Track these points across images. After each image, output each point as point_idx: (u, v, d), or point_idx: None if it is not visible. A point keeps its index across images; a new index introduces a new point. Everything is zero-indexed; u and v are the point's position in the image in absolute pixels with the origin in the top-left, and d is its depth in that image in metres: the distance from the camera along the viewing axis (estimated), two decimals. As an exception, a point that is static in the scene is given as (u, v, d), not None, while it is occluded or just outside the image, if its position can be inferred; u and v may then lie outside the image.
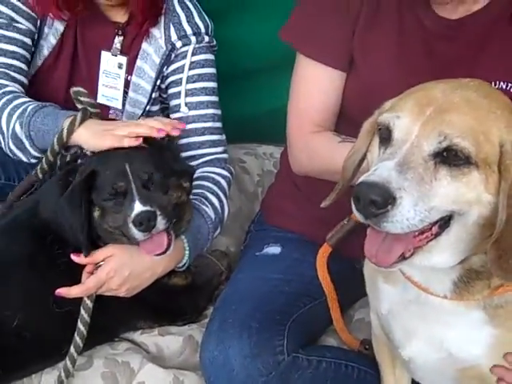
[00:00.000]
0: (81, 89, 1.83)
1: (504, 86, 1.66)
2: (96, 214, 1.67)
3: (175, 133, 1.77)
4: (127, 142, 1.71)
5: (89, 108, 1.80)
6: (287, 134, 1.86)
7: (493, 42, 1.67)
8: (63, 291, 1.66)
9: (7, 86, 1.93)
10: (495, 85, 1.66)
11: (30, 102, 1.87)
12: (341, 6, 1.71)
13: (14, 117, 1.83)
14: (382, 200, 1.06)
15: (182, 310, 1.92)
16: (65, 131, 1.75)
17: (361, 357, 1.76)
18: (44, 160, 1.83)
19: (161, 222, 1.62)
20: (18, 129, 1.83)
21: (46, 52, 2.03)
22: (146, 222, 1.59)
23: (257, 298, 1.75)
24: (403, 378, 1.65)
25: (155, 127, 1.73)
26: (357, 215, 1.12)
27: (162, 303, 1.87)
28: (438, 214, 1.12)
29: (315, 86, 1.78)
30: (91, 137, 1.75)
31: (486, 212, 1.14)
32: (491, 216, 1.14)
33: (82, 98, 1.81)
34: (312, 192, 1.77)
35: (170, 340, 1.86)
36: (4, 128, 1.86)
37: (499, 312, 1.28)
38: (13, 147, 1.87)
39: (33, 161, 1.90)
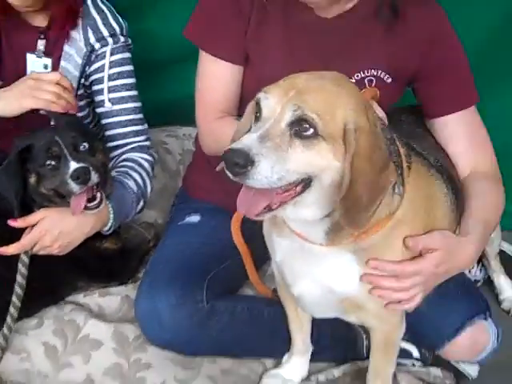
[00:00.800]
0: None
1: (375, 73, 1.86)
2: (32, 180, 1.90)
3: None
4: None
5: None
6: (197, 123, 2.02)
7: (361, 36, 1.84)
8: (2, 249, 1.88)
9: None
10: (367, 72, 1.86)
11: None
12: (234, 8, 1.86)
13: None
14: (243, 162, 1.26)
15: (116, 271, 2.16)
16: None
17: (272, 301, 2.00)
18: None
19: (94, 176, 1.86)
20: None
21: None
22: (82, 176, 1.82)
23: (180, 259, 1.98)
24: (304, 314, 1.90)
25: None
26: (227, 173, 1.30)
27: (97, 265, 2.11)
28: (295, 176, 1.32)
29: (216, 80, 1.93)
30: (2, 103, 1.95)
31: (337, 176, 1.34)
32: (341, 179, 1.34)
33: None
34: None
35: (110, 300, 2.11)
36: None
37: (364, 253, 1.52)
38: None
39: None
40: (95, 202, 1.91)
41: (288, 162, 1.31)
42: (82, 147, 1.91)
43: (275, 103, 1.34)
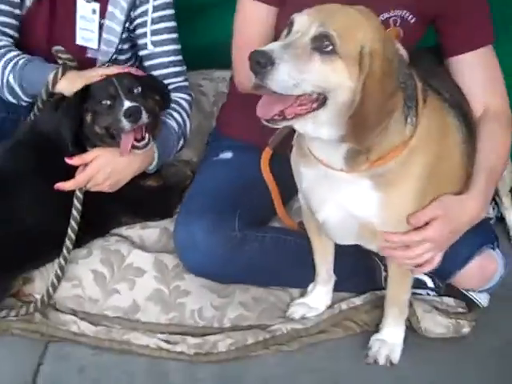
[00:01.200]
0: (60, 47, 2.16)
1: (400, 13, 1.94)
2: (88, 118, 2.05)
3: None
4: (96, 79, 2.07)
5: (68, 62, 2.14)
6: (233, 63, 2.10)
7: None
8: (60, 185, 2.05)
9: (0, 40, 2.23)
10: (392, 12, 1.94)
11: (20, 55, 2.19)
12: None
13: (8, 70, 2.17)
14: (263, 61, 1.38)
15: (157, 207, 2.32)
16: (50, 82, 2.12)
17: (297, 233, 2.14)
18: (35, 107, 2.21)
19: (144, 116, 2.00)
20: (11, 80, 2.19)
21: (28, 3, 2.27)
22: (134, 114, 1.98)
23: (214, 191, 2.11)
24: (328, 244, 2.05)
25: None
26: (251, 76, 1.42)
27: (141, 201, 2.27)
28: (309, 87, 1.43)
29: (252, 20, 2.02)
30: (67, 84, 2.12)
31: (349, 95, 1.45)
32: (353, 100, 1.45)
33: (61, 55, 2.14)
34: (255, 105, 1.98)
35: (150, 232, 2.27)
36: None
37: (381, 180, 1.63)
38: (7, 95, 2.24)
39: (23, 103, 2.26)
40: (144, 142, 2.06)
41: (305, 72, 1.42)
42: (135, 90, 2.06)
43: (305, 20, 1.47)
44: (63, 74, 2.14)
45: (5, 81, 2.21)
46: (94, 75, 2.12)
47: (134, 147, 2.05)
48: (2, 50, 2.22)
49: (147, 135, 2.07)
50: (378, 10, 1.86)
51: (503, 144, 1.93)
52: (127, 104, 2.00)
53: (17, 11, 2.28)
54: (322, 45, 1.43)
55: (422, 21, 2.00)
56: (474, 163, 1.86)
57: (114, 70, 2.15)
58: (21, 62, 2.19)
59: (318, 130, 1.54)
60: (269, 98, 1.50)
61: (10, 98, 2.26)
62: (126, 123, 2.00)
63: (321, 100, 1.48)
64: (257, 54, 1.40)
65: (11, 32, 2.29)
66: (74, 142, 2.06)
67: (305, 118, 1.51)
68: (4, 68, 2.20)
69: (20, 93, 2.23)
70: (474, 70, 1.97)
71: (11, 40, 2.29)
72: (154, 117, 2.11)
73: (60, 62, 2.16)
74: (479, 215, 1.83)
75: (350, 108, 1.47)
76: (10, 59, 2.20)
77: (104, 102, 2.04)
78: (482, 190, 1.82)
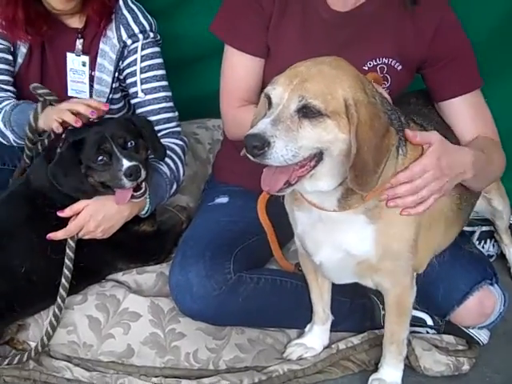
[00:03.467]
0: (36, 84, 2.19)
1: (386, 61, 2.02)
2: (82, 171, 2.04)
3: (101, 113, 2.13)
4: (67, 117, 2.04)
5: (46, 97, 2.16)
6: (220, 110, 2.16)
7: (374, 28, 1.99)
8: (52, 235, 2.07)
9: None
10: (379, 60, 2.01)
11: (9, 103, 2.26)
12: (256, 5, 2.02)
13: None
14: (260, 144, 1.45)
15: (152, 252, 2.33)
16: (31, 120, 2.15)
17: (294, 275, 2.14)
18: (25, 148, 2.25)
19: (143, 173, 2.03)
20: (3, 127, 2.26)
21: (20, 60, 2.37)
22: (134, 173, 2.00)
23: (209, 235, 2.12)
24: (324, 283, 2.06)
25: (90, 106, 2.07)
26: (248, 155, 1.48)
27: (135, 246, 2.29)
28: (307, 151, 1.50)
29: (240, 70, 2.08)
30: (45, 119, 2.13)
31: (344, 146, 1.53)
32: (348, 149, 1.52)
33: (39, 91, 2.16)
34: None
35: (146, 277, 2.28)
36: None
37: (375, 211, 1.68)
38: (2, 140, 2.31)
39: (16, 145, 2.31)
40: (140, 192, 2.08)
41: (299, 140, 1.49)
42: (129, 144, 2.08)
43: (282, 91, 1.53)
44: (43, 109, 2.16)
45: None
46: (64, 106, 2.10)
47: (132, 197, 2.07)
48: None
49: (144, 184, 2.09)
50: (364, 59, 1.99)
51: (497, 153, 1.98)
52: (126, 163, 2.01)
53: (12, 69, 2.37)
54: (308, 111, 1.49)
55: (409, 68, 2.06)
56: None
57: (86, 101, 2.15)
58: (8, 108, 2.26)
59: (318, 184, 1.60)
60: (271, 171, 1.56)
61: (5, 142, 2.32)
62: (126, 182, 2.01)
63: (318, 156, 1.54)
64: (251, 138, 1.46)
65: (10, 88, 2.37)
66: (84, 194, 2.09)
67: (306, 177, 1.57)
68: None
69: (11, 137, 2.28)
70: (463, 111, 2.02)
71: (12, 95, 2.36)
72: (147, 165, 2.13)
73: (40, 98, 2.19)
74: (468, 169, 1.80)
75: (346, 157, 1.53)
76: (1, 108, 2.28)
77: (100, 159, 2.04)
78: (476, 155, 1.82)
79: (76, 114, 2.07)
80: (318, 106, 1.49)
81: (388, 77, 2.05)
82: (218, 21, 2.13)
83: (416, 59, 2.04)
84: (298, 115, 1.50)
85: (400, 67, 2.05)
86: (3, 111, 2.27)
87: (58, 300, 2.09)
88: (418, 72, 2.10)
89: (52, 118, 2.09)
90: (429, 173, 1.68)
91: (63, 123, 2.08)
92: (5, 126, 2.26)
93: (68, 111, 2.06)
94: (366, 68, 2.01)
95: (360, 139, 1.50)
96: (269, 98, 1.56)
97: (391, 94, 1.80)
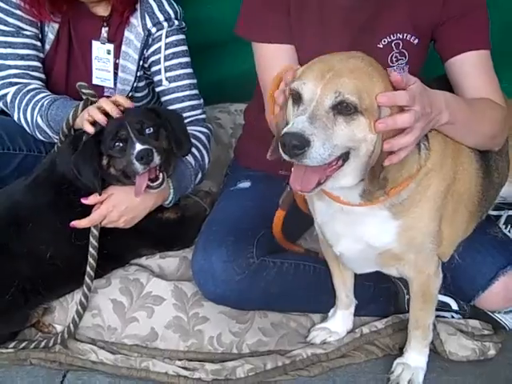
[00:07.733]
0: (83, 83, 2.17)
1: (401, 36, 1.98)
2: (104, 162, 2.07)
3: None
4: (97, 116, 2.04)
5: (90, 98, 2.16)
6: (265, 103, 2.03)
7: (386, 6, 1.96)
8: (75, 223, 2.09)
9: (30, 84, 2.33)
10: (393, 36, 1.98)
11: (46, 97, 2.27)
12: (276, 2, 1.99)
13: (36, 111, 2.27)
14: (300, 144, 1.39)
15: (176, 239, 2.34)
16: (70, 118, 2.15)
17: (316, 259, 2.15)
18: (58, 141, 2.25)
19: (156, 157, 2.01)
20: (40, 121, 2.28)
21: (47, 47, 2.38)
22: (145, 157, 1.98)
23: (232, 220, 2.13)
24: (347, 269, 2.04)
25: (117, 102, 2.07)
26: (284, 156, 1.43)
27: (159, 234, 2.29)
28: (340, 150, 1.47)
29: (274, 59, 2.00)
30: (79, 118, 2.14)
31: (371, 147, 1.49)
32: (372, 150, 1.49)
33: (84, 90, 2.16)
34: (269, 136, 1.95)
35: (169, 261, 2.30)
36: (29, 120, 2.30)
37: (398, 208, 1.67)
38: (39, 135, 2.34)
39: (55, 141, 2.29)
40: (157, 182, 2.07)
41: (334, 138, 1.45)
42: (147, 130, 2.07)
43: (314, 86, 1.47)
44: (84, 108, 2.16)
45: (34, 122, 2.29)
46: (93, 109, 2.09)
47: (148, 187, 2.07)
48: (33, 93, 2.31)
49: (161, 175, 2.08)
50: (378, 37, 1.96)
51: (491, 110, 1.87)
52: (139, 147, 2.00)
53: (41, 55, 2.38)
54: (343, 108, 1.45)
55: (424, 38, 2.02)
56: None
57: (113, 97, 2.14)
58: (46, 102, 2.26)
59: (340, 182, 1.57)
60: (301, 171, 1.51)
61: (42, 138, 2.35)
62: (138, 166, 2.01)
63: (344, 156, 1.51)
64: (290, 137, 1.40)
65: (40, 75, 2.38)
66: (100, 185, 2.08)
67: (333, 176, 1.54)
68: (33, 110, 2.28)
69: (49, 132, 2.30)
70: (472, 70, 1.95)
71: (41, 82, 2.37)
72: (168, 156, 2.12)
73: (84, 97, 2.19)
74: (443, 111, 1.65)
75: (369, 157, 1.51)
76: (38, 101, 2.28)
77: (117, 145, 2.04)
78: (445, 95, 1.69)
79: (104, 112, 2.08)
80: (354, 103, 1.45)
81: (405, 52, 2.02)
82: (241, 22, 2.08)
83: (430, 26, 1.99)
84: (333, 111, 1.45)
85: (416, 40, 2.00)
86: (39, 104, 2.27)
87: (84, 288, 2.12)
88: (431, 41, 2.04)
89: (84, 118, 2.10)
90: (416, 106, 1.54)
91: (94, 123, 2.09)
92: (41, 119, 2.27)
93: (97, 110, 2.07)
94: (381, 46, 1.99)
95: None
96: (297, 94, 1.50)
97: (412, 71, 1.76)
